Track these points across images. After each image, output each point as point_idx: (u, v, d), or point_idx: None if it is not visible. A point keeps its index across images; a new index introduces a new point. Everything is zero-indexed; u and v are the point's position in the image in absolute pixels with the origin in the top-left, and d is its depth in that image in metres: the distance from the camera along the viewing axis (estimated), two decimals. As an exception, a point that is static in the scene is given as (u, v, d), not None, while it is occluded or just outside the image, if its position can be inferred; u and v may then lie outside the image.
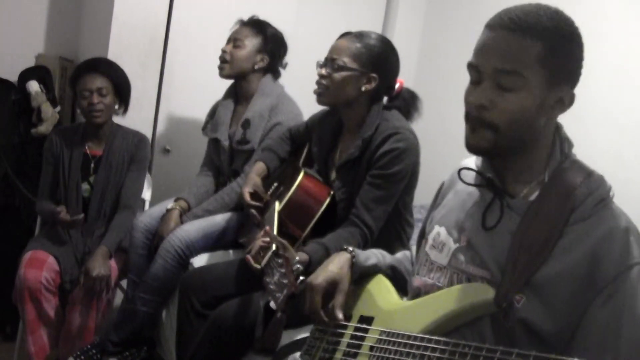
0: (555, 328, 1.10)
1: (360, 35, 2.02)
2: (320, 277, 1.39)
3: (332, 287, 1.39)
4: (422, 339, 1.17)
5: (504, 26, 1.12)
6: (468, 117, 1.17)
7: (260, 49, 2.57)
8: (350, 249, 1.46)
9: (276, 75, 2.67)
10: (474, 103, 1.14)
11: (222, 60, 2.57)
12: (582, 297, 1.09)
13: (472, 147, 1.19)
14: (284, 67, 2.69)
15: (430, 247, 1.32)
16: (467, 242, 1.23)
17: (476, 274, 1.19)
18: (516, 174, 1.21)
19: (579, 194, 1.13)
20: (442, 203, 1.39)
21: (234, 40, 2.57)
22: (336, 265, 1.42)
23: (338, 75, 1.98)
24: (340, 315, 1.35)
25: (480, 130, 1.15)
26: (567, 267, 1.10)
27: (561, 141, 1.22)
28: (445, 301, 1.19)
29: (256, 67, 2.58)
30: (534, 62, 1.10)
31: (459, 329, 1.18)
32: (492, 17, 1.15)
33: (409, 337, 1.20)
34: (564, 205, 1.13)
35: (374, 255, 1.49)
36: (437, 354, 1.13)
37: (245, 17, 2.65)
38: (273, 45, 2.60)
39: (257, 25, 2.59)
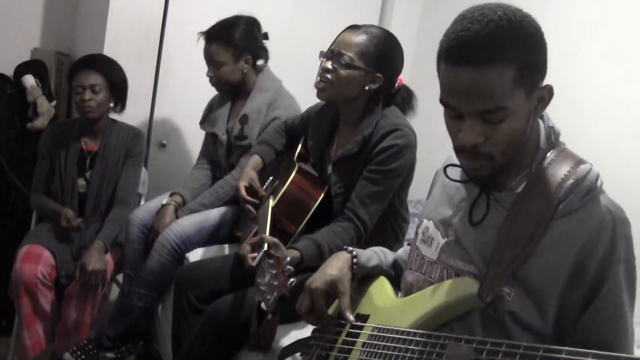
0: (543, 322, 1.11)
1: (369, 32, 1.97)
2: (318, 280, 1.37)
3: (331, 289, 1.37)
4: (408, 333, 1.18)
5: (470, 61, 1.05)
6: (462, 150, 1.14)
7: (238, 56, 2.53)
8: (350, 249, 1.44)
9: (266, 59, 2.64)
10: (468, 143, 1.11)
11: (213, 84, 2.57)
12: (569, 292, 1.09)
13: (473, 177, 1.18)
14: (267, 37, 2.63)
15: (420, 242, 1.32)
16: (454, 237, 1.23)
17: (464, 269, 1.19)
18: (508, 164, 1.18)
19: (566, 185, 1.12)
20: (431, 195, 1.38)
21: (212, 62, 2.53)
22: (334, 268, 1.39)
23: (345, 73, 1.94)
24: (350, 317, 1.33)
25: (480, 162, 1.13)
26: (555, 262, 1.09)
27: (547, 130, 1.20)
28: (432, 297, 1.20)
29: (245, 71, 2.56)
30: (511, 88, 1.06)
31: (448, 323, 1.18)
32: (451, 48, 1.07)
33: (397, 331, 1.21)
34: (551, 197, 1.12)
35: (376, 256, 1.48)
36: (420, 347, 1.14)
37: (235, 11, 2.59)
38: (246, 43, 2.54)
39: (222, 37, 2.51)
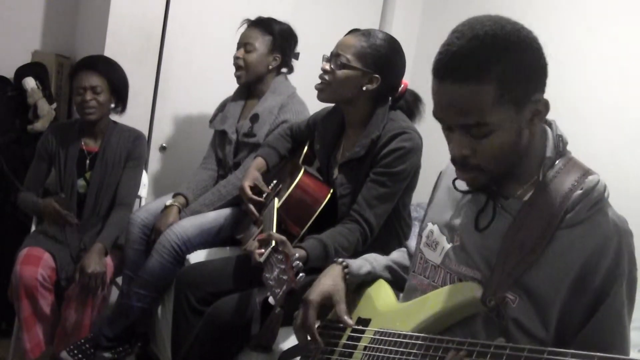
0: (546, 331, 1.11)
1: (368, 34, 2.00)
2: (314, 292, 1.40)
3: (327, 300, 1.39)
4: (410, 337, 1.19)
5: (451, 78, 1.07)
6: (454, 162, 1.16)
7: (271, 49, 2.58)
8: (340, 260, 1.47)
9: (290, 69, 2.69)
10: (456, 155, 1.13)
11: (237, 67, 2.58)
12: (571, 302, 1.09)
13: (471, 187, 1.20)
14: (297, 57, 2.69)
15: (424, 245, 1.32)
16: (460, 242, 1.23)
17: (467, 275, 1.19)
18: (510, 176, 1.18)
19: (574, 195, 1.12)
20: (435, 199, 1.39)
21: (244, 45, 2.56)
22: (329, 279, 1.42)
23: (340, 73, 1.97)
24: (349, 321, 1.35)
25: (472, 173, 1.15)
26: (559, 271, 1.09)
27: (555, 139, 1.20)
28: (435, 301, 1.20)
29: (270, 67, 2.60)
30: (493, 105, 1.06)
31: (451, 328, 1.18)
32: (436, 62, 1.10)
33: (398, 335, 1.22)
34: (558, 206, 1.12)
35: (367, 263, 1.49)
36: (422, 351, 1.14)
37: (251, 17, 2.64)
38: (283, 42, 2.60)
39: (264, 25, 2.59)
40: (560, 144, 1.20)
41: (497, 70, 1.04)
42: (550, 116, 1.23)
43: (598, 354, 0.91)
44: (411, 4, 3.54)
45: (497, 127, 1.08)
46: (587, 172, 1.16)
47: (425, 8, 3.54)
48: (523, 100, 1.08)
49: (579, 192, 1.12)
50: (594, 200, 1.12)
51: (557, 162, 1.18)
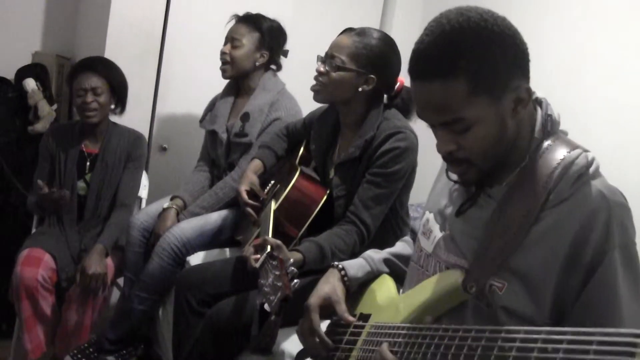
0: (539, 313, 1.08)
1: (362, 33, 1.98)
2: (312, 297, 1.41)
3: (327, 301, 1.40)
4: (398, 328, 1.19)
5: (421, 77, 1.08)
6: (443, 158, 1.16)
7: (259, 46, 2.57)
8: (336, 263, 1.47)
9: (278, 67, 2.68)
10: (442, 152, 1.14)
11: (223, 61, 2.57)
12: (565, 280, 1.06)
13: (463, 183, 1.20)
14: (285, 55, 2.69)
15: (421, 234, 1.32)
16: (450, 231, 1.23)
17: (454, 263, 1.18)
18: (500, 165, 1.15)
19: (556, 173, 1.09)
20: (436, 187, 1.38)
21: (231, 39, 2.56)
22: (327, 284, 1.43)
23: (336, 75, 1.96)
24: (349, 318, 1.36)
25: (461, 167, 1.14)
26: (548, 251, 1.07)
27: (544, 118, 1.17)
28: (421, 292, 1.21)
29: (257, 64, 2.59)
30: (466, 99, 1.04)
31: (440, 318, 1.17)
32: (409, 62, 1.10)
33: (389, 327, 1.22)
34: (542, 186, 1.09)
35: (365, 262, 1.49)
36: (412, 340, 1.12)
37: (240, 13, 2.65)
38: (271, 39, 2.60)
39: (252, 21, 2.59)
40: (549, 123, 1.16)
41: (465, 63, 1.03)
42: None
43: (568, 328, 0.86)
44: (411, 4, 3.54)
45: (476, 120, 1.07)
46: (574, 148, 1.12)
47: (425, 8, 3.54)
48: (500, 89, 1.06)
49: (561, 169, 1.09)
50: (576, 175, 1.08)
51: (545, 142, 1.14)
